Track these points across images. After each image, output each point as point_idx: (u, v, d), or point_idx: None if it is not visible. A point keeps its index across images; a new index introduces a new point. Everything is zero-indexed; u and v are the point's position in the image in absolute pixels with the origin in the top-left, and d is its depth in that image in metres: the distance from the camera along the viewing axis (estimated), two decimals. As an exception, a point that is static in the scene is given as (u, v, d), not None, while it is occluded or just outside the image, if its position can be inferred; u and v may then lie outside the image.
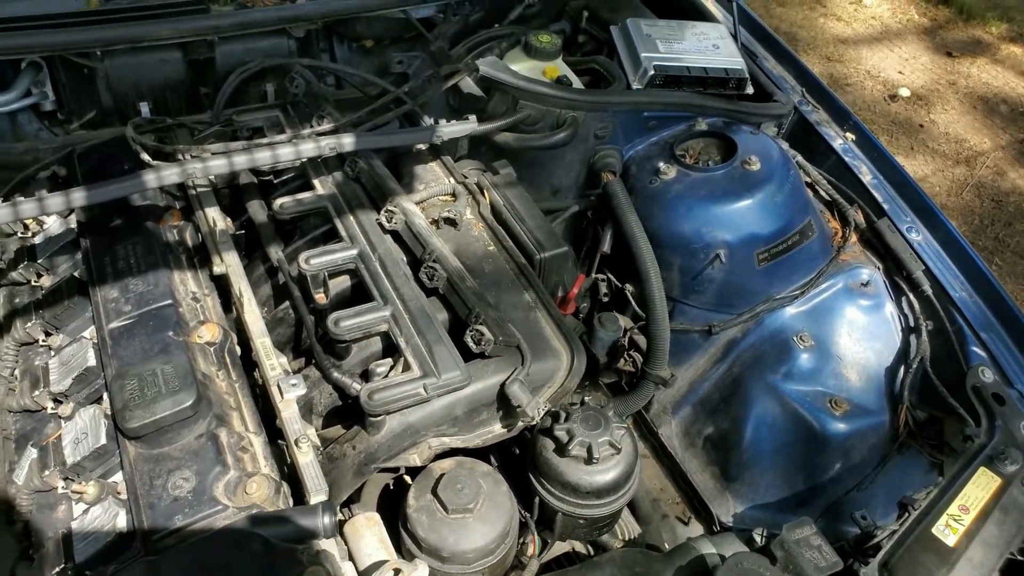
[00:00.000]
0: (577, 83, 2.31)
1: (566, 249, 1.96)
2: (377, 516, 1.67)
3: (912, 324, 2.25)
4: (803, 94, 2.59)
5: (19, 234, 2.11)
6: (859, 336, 2.28)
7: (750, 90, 2.44)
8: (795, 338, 2.26)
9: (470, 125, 2.10)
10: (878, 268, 2.34)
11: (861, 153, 2.47)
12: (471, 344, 1.76)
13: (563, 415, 1.70)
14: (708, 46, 2.42)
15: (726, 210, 2.20)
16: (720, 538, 1.80)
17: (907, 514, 1.71)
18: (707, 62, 2.37)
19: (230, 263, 1.91)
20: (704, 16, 2.70)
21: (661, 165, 2.29)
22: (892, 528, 1.71)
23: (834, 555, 1.68)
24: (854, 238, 2.35)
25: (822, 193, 2.42)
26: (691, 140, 2.38)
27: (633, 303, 2.29)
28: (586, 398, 1.73)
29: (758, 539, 1.75)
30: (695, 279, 2.27)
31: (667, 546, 2.27)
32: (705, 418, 2.36)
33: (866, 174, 2.42)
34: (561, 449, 1.68)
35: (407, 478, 1.99)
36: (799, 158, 2.44)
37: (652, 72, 2.32)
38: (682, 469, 2.38)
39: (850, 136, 2.52)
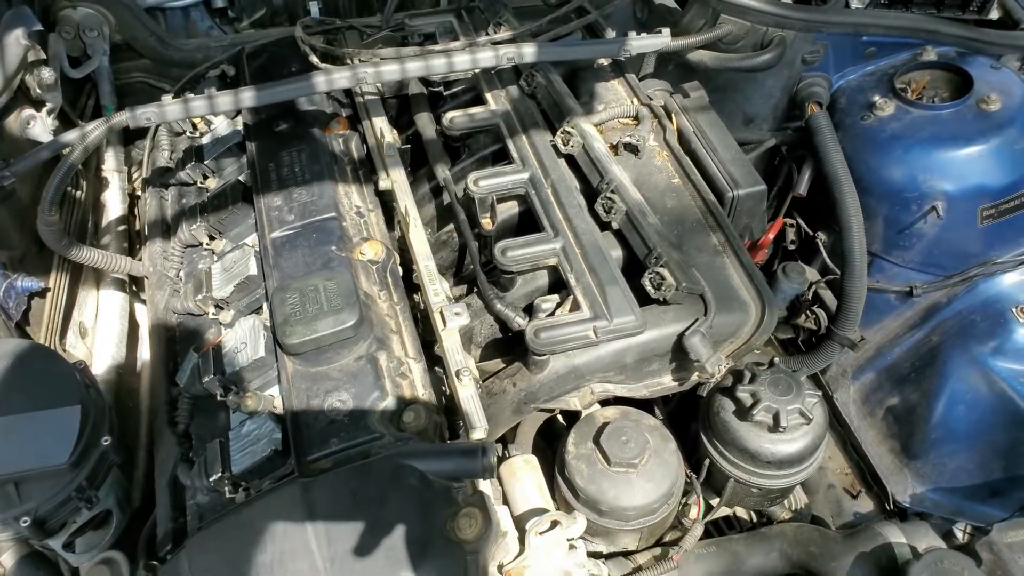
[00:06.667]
0: (784, -2, 2.03)
1: (763, 188, 1.74)
2: (535, 459, 1.58)
3: None
4: (1061, 24, 2.19)
5: (187, 133, 2.10)
6: (1096, 316, 1.96)
7: (994, 14, 2.08)
8: (1014, 310, 1.98)
9: (663, 39, 1.89)
10: None
11: None
12: (649, 288, 1.59)
13: (747, 375, 1.53)
14: (947, -43, 2.07)
15: (952, 156, 1.91)
16: (912, 526, 1.61)
17: None
18: (946, -24, 2.03)
19: (396, 179, 1.82)
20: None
21: (877, 99, 2.01)
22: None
23: (1058, 569, 1.45)
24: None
25: (1069, 145, 2.06)
26: (916, 71, 2.08)
27: (824, 254, 2.06)
28: (776, 359, 1.54)
29: (959, 535, 1.55)
30: (901, 233, 2.01)
31: (831, 520, 2.09)
32: (890, 387, 2.12)
33: None
34: (743, 412, 1.52)
35: (560, 418, 1.89)
36: (1047, 100, 2.08)
37: (878, -13, 2.01)
38: (856, 439, 2.16)
39: None
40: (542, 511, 1.47)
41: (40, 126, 1.80)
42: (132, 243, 2.21)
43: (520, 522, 1.43)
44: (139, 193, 2.29)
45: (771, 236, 2.07)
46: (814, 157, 2.03)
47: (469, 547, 1.28)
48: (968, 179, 1.92)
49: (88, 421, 1.38)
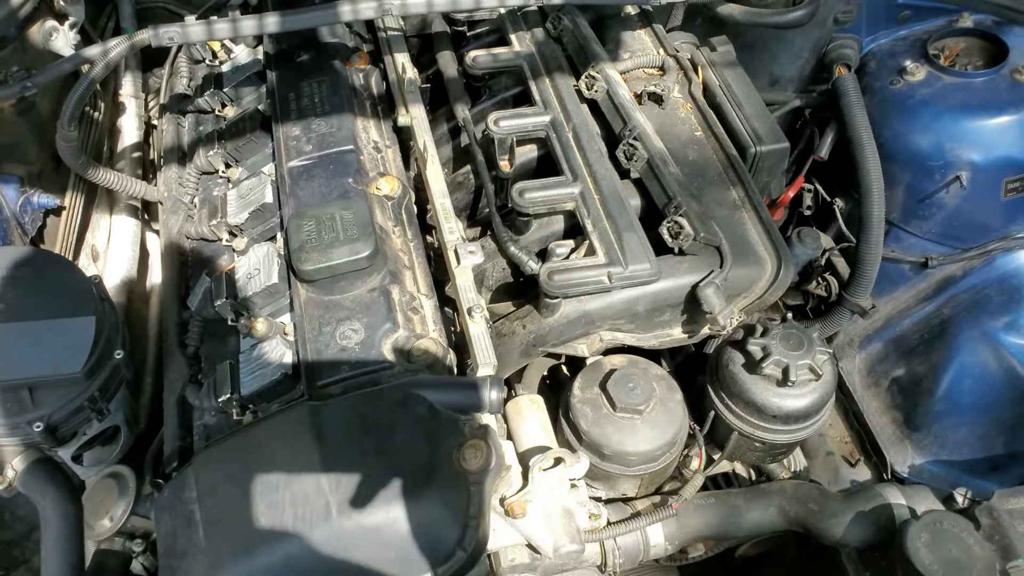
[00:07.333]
0: (818, -44, 1.99)
1: (786, 145, 1.72)
2: (541, 399, 1.58)
3: None
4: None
5: (207, 61, 2.08)
6: (1114, 298, 1.94)
7: (1033, -17, 2.04)
8: (1030, 286, 1.96)
9: (694, -10, 1.86)
10: None
11: None
12: (666, 237, 1.58)
13: (759, 329, 1.52)
14: (987, -80, 2.02)
15: (981, 125, 1.87)
16: (912, 489, 1.61)
17: None
18: (985, -59, 1.98)
19: (416, 115, 1.79)
20: None
21: (908, 64, 1.97)
22: None
23: (1056, 536, 1.46)
24: None
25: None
26: (950, 38, 2.03)
27: (840, 221, 2.04)
28: (788, 315, 1.53)
29: (960, 500, 1.55)
30: (922, 202, 1.98)
31: (828, 486, 2.09)
32: (897, 358, 2.12)
33: None
34: (752, 365, 1.51)
35: (564, 368, 1.89)
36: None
37: (915, -50, 1.97)
38: (858, 408, 2.16)
39: None
40: (546, 449, 1.47)
41: (62, 39, 1.78)
42: (146, 171, 2.20)
43: (524, 458, 1.43)
44: (155, 122, 2.28)
45: (791, 194, 2.05)
46: (838, 121, 1.99)
47: (473, 477, 1.28)
48: (995, 150, 1.89)
49: (103, 333, 1.38)
